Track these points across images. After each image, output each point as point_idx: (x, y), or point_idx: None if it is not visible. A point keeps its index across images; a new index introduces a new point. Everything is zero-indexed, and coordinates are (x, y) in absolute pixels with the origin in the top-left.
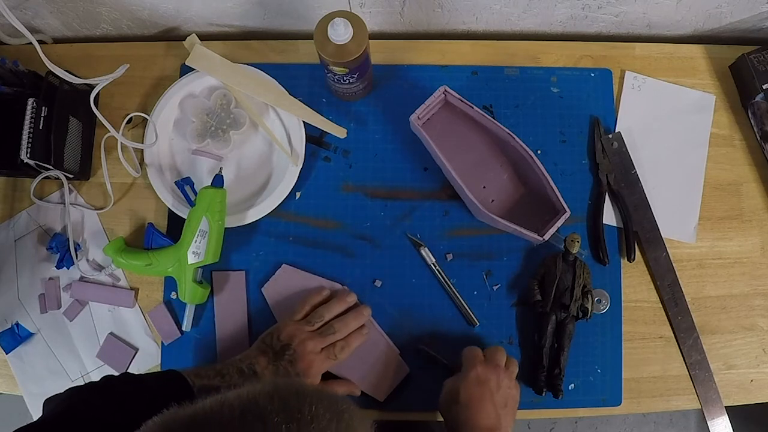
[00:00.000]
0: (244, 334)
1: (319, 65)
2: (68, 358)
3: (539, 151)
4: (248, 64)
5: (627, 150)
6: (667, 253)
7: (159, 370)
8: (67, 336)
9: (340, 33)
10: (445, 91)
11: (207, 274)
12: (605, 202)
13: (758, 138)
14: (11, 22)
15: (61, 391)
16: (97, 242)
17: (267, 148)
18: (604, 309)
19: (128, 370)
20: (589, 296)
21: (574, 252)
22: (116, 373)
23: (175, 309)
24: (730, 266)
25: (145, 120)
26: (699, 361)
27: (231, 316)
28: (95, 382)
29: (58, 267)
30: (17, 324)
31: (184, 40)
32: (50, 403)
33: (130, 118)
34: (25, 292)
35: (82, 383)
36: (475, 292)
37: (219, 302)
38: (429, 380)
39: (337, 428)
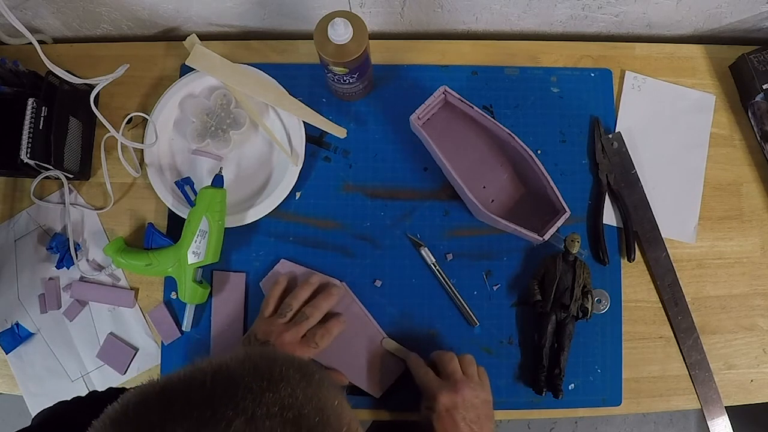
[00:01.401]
0: (239, 335)
1: (319, 65)
2: (68, 358)
3: (539, 151)
4: (248, 64)
5: (627, 150)
6: (667, 253)
7: (159, 370)
8: (67, 336)
9: (340, 33)
10: (445, 91)
11: (207, 274)
12: (605, 202)
13: (758, 138)
14: (11, 22)
15: (60, 390)
16: (97, 242)
17: (267, 148)
18: (604, 309)
19: (128, 370)
20: (589, 296)
21: (574, 252)
22: (116, 373)
23: (175, 309)
24: (730, 266)
25: (145, 120)
26: (699, 361)
27: (228, 317)
28: (81, 396)
29: (58, 267)
30: (17, 324)
31: (184, 40)
32: (38, 417)
33: (130, 118)
34: (25, 292)
35: (81, 384)
36: (475, 292)
37: (217, 303)
38: None
39: (307, 388)
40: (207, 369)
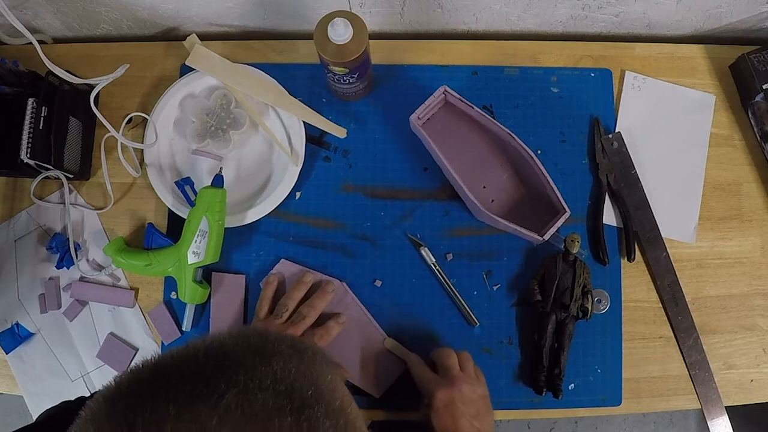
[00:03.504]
0: None
1: (319, 65)
2: (68, 358)
3: (539, 151)
4: (248, 64)
5: (627, 150)
6: (667, 253)
7: None
8: (67, 336)
9: (340, 33)
10: (445, 91)
11: (207, 274)
12: (605, 202)
13: (758, 138)
14: (11, 22)
15: (60, 390)
16: (97, 242)
17: (267, 148)
18: (604, 309)
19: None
20: (589, 296)
21: (574, 252)
22: (116, 373)
23: (175, 309)
24: (730, 266)
25: (145, 120)
26: (699, 361)
27: (227, 319)
28: (86, 397)
29: (58, 267)
30: (17, 324)
31: (184, 40)
32: (42, 416)
33: (130, 118)
34: (25, 292)
35: (81, 384)
36: (475, 292)
37: (216, 304)
38: None
39: (299, 362)
40: (200, 345)
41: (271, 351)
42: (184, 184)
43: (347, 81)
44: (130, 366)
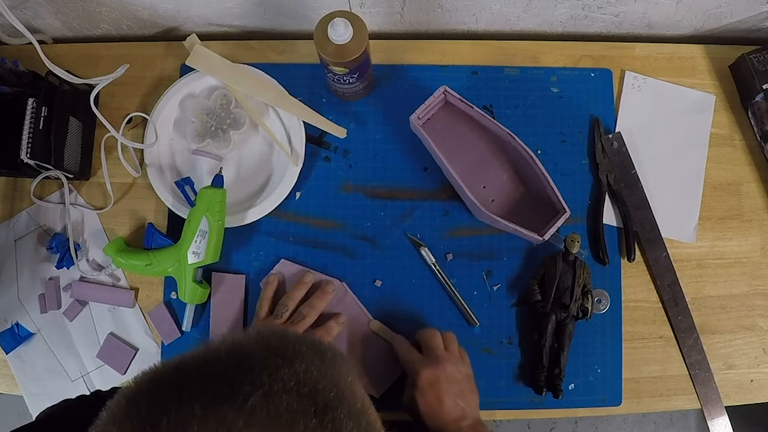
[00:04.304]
0: None
1: (319, 65)
2: (68, 358)
3: (539, 151)
4: (248, 64)
5: (627, 150)
6: (667, 253)
7: None
8: (67, 336)
9: (340, 33)
10: (445, 91)
11: (207, 274)
12: (605, 202)
13: (758, 138)
14: (11, 22)
15: (60, 390)
16: (97, 242)
17: (267, 148)
18: (604, 309)
19: (128, 370)
20: (589, 296)
21: (574, 252)
22: (116, 373)
23: (175, 309)
24: (730, 266)
25: (145, 120)
26: (699, 361)
27: (227, 319)
28: (86, 395)
29: (58, 267)
30: (17, 324)
31: (184, 40)
32: (42, 414)
33: (130, 118)
34: (25, 292)
35: (81, 384)
36: (475, 292)
37: (216, 304)
38: None
39: (320, 364)
40: (220, 347)
41: (292, 353)
42: (184, 184)
43: (347, 81)
44: (149, 367)
